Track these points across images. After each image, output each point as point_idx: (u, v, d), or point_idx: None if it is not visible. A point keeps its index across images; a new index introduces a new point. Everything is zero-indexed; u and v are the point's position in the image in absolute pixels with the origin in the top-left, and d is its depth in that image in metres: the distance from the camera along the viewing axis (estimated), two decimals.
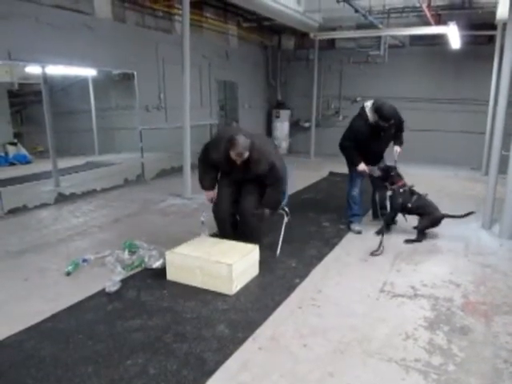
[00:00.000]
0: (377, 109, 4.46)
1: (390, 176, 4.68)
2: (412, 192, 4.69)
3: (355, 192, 4.95)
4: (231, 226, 4.08)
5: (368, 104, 4.63)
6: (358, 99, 10.21)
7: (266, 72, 11.46)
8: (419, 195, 4.68)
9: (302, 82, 11.04)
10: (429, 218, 4.61)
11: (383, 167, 4.80)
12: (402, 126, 4.91)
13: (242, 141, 3.56)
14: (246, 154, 3.61)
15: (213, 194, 4.07)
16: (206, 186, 4.07)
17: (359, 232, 4.85)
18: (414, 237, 4.62)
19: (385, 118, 4.43)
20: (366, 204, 5.29)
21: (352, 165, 4.86)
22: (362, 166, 4.73)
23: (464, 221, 5.25)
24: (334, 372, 2.43)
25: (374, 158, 4.86)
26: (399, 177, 4.71)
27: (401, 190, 4.63)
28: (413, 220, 4.80)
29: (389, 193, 4.65)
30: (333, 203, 6.13)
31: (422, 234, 4.63)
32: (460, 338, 2.78)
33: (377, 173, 4.72)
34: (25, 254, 4.16)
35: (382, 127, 4.53)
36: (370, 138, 4.64)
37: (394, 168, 4.74)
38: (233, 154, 3.61)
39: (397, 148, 4.92)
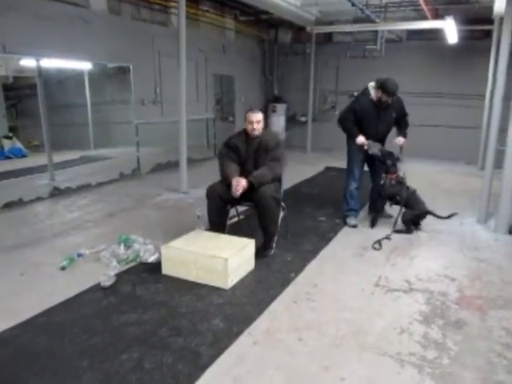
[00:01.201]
0: (381, 83, 4.53)
1: (387, 164, 4.71)
2: (402, 184, 4.70)
3: (353, 187, 4.95)
4: (217, 208, 4.01)
5: (372, 83, 4.70)
6: (355, 93, 10.16)
7: (262, 66, 11.42)
8: (408, 188, 4.68)
9: (298, 76, 11.02)
10: (413, 211, 4.66)
11: (387, 151, 4.76)
12: (406, 119, 4.93)
13: (257, 109, 4.18)
14: (261, 118, 4.07)
15: (243, 181, 3.87)
16: (231, 173, 3.96)
17: (355, 226, 4.86)
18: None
19: (388, 92, 4.49)
20: (362, 198, 5.28)
21: (350, 137, 4.84)
22: (360, 139, 4.72)
23: (459, 215, 5.28)
24: (330, 366, 2.43)
25: (378, 132, 4.84)
26: (394, 168, 4.72)
27: (392, 182, 4.69)
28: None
29: (382, 181, 4.78)
30: (329, 198, 6.13)
31: (408, 225, 4.68)
32: (455, 332, 2.80)
33: (375, 149, 4.73)
34: (20, 249, 4.14)
35: (383, 104, 4.61)
36: (370, 116, 4.69)
37: (396, 158, 4.73)
38: (251, 116, 4.03)
39: (400, 138, 4.89)
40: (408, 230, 4.66)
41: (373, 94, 4.66)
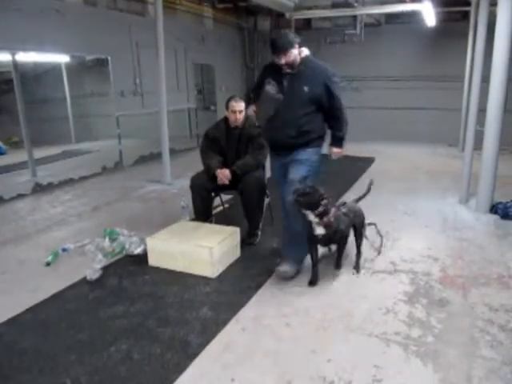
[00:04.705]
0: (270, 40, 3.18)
1: (319, 206, 2.95)
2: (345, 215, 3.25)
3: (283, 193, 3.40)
4: (201, 199, 4.04)
5: None
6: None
7: (242, 54, 11.34)
8: (345, 204, 3.43)
9: None
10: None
11: (307, 189, 2.98)
12: (338, 111, 3.22)
13: (239, 97, 4.10)
14: (243, 107, 3.96)
15: (227, 171, 3.91)
16: (214, 165, 3.96)
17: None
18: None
19: (272, 48, 3.08)
20: None
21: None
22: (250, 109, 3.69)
23: (441, 196, 5.37)
24: (317, 349, 2.47)
25: (279, 122, 3.22)
26: (328, 206, 3.02)
27: (343, 211, 3.23)
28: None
29: (320, 230, 3.02)
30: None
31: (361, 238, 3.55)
32: (438, 311, 2.85)
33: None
34: (3, 246, 4.09)
35: (285, 69, 3.11)
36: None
37: (322, 194, 2.98)
38: (234, 105, 3.96)
39: (332, 149, 3.41)
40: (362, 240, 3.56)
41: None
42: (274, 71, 3.19)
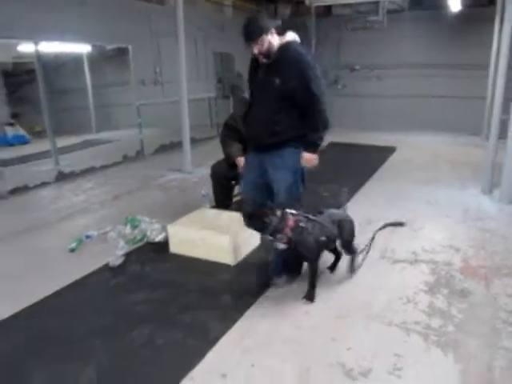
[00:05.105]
0: None
1: (267, 225, 2.65)
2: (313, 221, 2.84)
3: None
4: (221, 187, 4.13)
5: None
6: (357, 67, 10.06)
7: None
8: (321, 212, 3.01)
9: None
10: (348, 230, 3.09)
11: (252, 211, 2.79)
12: (311, 94, 2.72)
13: None
14: None
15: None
16: (234, 153, 4.00)
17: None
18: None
19: (243, 34, 2.73)
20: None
21: None
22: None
23: (463, 187, 5.29)
24: (337, 337, 2.48)
25: (251, 118, 2.92)
26: (287, 214, 2.72)
27: (302, 224, 2.73)
28: None
29: (281, 246, 2.75)
30: (332, 173, 6.11)
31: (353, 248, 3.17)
32: (460, 301, 2.82)
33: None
34: (27, 233, 4.19)
35: (261, 59, 2.76)
36: (251, 77, 3.01)
37: (265, 213, 2.67)
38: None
39: (304, 155, 2.83)
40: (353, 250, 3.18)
41: None
42: (255, 61, 2.84)
